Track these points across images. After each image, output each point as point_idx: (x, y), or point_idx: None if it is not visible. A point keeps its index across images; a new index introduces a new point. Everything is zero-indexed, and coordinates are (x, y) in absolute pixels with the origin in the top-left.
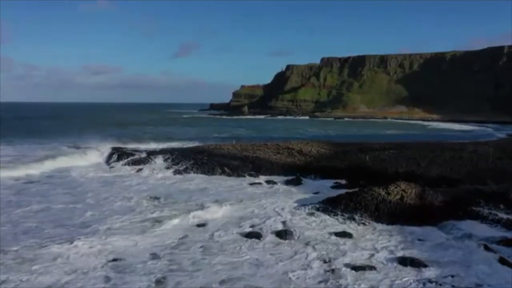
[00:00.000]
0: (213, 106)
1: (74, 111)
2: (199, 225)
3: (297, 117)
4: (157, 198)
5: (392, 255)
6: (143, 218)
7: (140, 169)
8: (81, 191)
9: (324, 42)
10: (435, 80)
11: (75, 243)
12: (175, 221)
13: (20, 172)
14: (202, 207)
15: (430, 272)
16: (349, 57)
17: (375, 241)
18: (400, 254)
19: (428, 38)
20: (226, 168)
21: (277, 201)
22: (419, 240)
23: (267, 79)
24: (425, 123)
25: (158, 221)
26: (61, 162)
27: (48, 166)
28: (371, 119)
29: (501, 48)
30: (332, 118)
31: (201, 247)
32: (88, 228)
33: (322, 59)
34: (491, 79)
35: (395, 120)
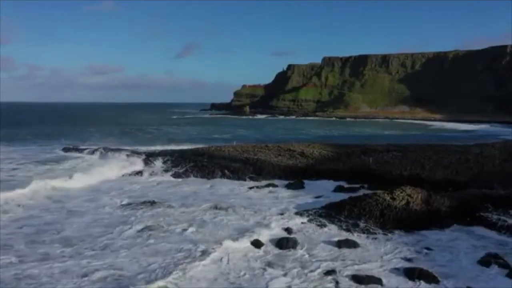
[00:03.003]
0: (214, 106)
1: (76, 111)
2: (198, 231)
3: (299, 118)
4: (153, 203)
5: (399, 265)
6: (135, 229)
7: (139, 172)
8: (70, 196)
9: (326, 41)
10: (437, 79)
11: None
12: (173, 225)
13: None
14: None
15: (439, 286)
16: (350, 57)
17: (380, 250)
18: (407, 264)
19: (430, 38)
20: (226, 171)
21: (278, 206)
22: (427, 248)
23: (269, 79)
24: (428, 123)
25: (151, 231)
26: (58, 166)
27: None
28: (373, 119)
29: (503, 47)
30: (334, 118)
31: (201, 252)
32: (71, 248)
33: (324, 59)
34: (494, 78)
35: (397, 120)
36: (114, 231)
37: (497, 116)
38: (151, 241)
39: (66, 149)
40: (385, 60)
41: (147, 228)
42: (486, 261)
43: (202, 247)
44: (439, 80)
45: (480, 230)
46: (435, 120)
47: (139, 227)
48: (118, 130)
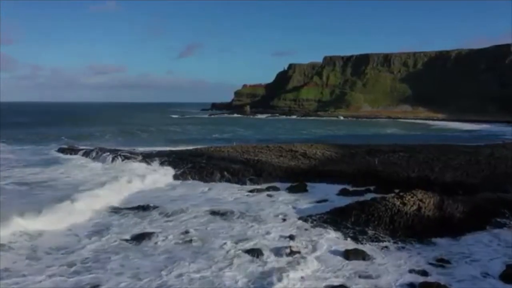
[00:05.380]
0: (215, 106)
1: (76, 111)
2: (191, 240)
3: (300, 117)
4: (146, 208)
5: (413, 280)
6: (119, 240)
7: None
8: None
9: (327, 41)
10: (439, 79)
11: None
12: (162, 234)
13: None
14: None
15: None
16: (352, 56)
17: (392, 261)
18: (422, 279)
19: (431, 37)
20: (225, 173)
21: (279, 211)
22: (443, 260)
23: (270, 79)
24: (431, 122)
25: (141, 237)
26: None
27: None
28: (375, 119)
29: (507, 46)
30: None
31: (197, 264)
32: (36, 261)
33: (325, 58)
34: (496, 78)
35: (400, 120)
36: (93, 242)
37: (500, 115)
38: (134, 255)
39: (61, 150)
40: (387, 59)
41: (134, 238)
42: (509, 275)
43: (193, 266)
44: (441, 79)
45: (498, 237)
46: (437, 119)
47: (125, 236)
48: (117, 130)
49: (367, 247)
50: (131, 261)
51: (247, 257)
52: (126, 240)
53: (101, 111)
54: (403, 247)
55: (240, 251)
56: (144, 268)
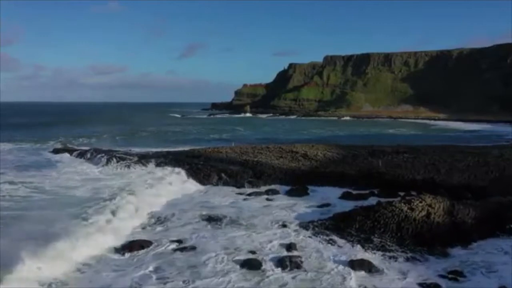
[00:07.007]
0: (215, 106)
1: (77, 111)
2: (182, 249)
3: (300, 117)
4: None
5: None
6: (103, 246)
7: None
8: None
9: (328, 41)
10: (441, 78)
11: None
12: (148, 244)
13: None
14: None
15: None
16: (353, 55)
17: (399, 274)
18: None
19: (433, 36)
20: (223, 174)
21: (279, 217)
22: (456, 273)
23: (271, 79)
24: (432, 122)
25: (125, 248)
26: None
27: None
28: (376, 119)
29: (509, 45)
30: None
31: (184, 282)
32: None
33: (325, 58)
34: (499, 77)
35: (401, 120)
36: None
37: (502, 115)
38: (108, 269)
39: (55, 151)
40: (387, 58)
41: (115, 248)
42: None
43: (179, 281)
44: (443, 79)
45: None
46: (439, 119)
47: (105, 246)
48: (116, 130)
49: (373, 257)
50: (103, 276)
51: (244, 269)
52: (117, 250)
53: (102, 111)
54: (411, 257)
55: (235, 263)
56: (116, 286)
